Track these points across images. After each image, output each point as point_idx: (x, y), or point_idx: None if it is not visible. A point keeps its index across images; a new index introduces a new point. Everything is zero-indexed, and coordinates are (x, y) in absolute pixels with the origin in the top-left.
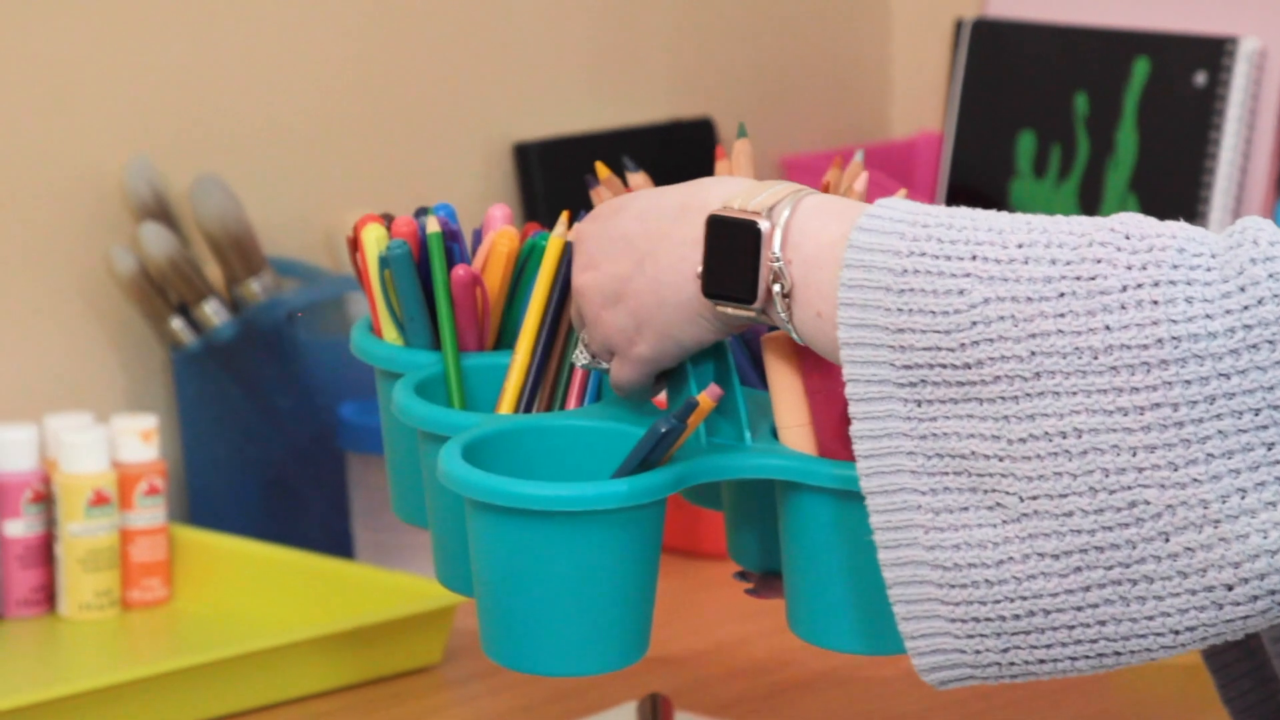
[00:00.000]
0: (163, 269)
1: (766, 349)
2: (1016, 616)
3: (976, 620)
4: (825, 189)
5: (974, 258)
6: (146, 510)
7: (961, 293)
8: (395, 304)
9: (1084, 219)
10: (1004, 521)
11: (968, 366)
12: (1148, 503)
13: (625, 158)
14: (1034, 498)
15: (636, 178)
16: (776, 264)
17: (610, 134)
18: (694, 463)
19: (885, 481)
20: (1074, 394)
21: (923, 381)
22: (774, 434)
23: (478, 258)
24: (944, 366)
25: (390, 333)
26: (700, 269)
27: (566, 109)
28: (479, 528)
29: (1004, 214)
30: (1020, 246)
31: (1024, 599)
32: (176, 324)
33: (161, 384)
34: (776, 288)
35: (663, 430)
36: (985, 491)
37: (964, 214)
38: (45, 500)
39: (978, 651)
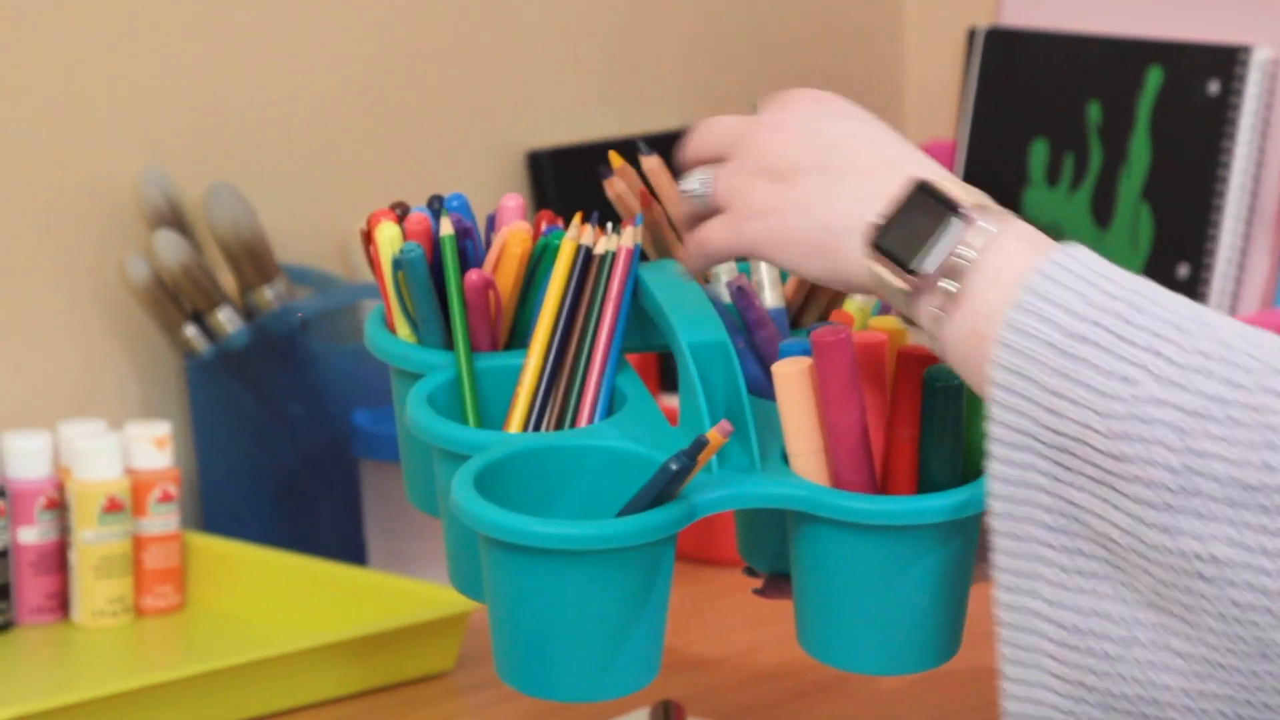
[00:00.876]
0: (176, 277)
1: (778, 380)
2: (1128, 697)
3: (1085, 687)
4: None
5: (1152, 351)
6: (160, 517)
7: (1129, 382)
8: (409, 304)
9: (1270, 337)
10: (1136, 603)
11: (1114, 457)
12: (1278, 644)
13: (640, 141)
14: (1166, 598)
15: (650, 161)
16: (962, 260)
17: (623, 142)
18: (705, 496)
19: (1017, 527)
20: (1219, 522)
21: (1067, 451)
22: (784, 457)
23: (490, 256)
24: (1090, 446)
25: (404, 328)
26: (877, 220)
27: (579, 118)
28: (491, 560)
29: (1188, 305)
30: (1202, 355)
31: (1141, 683)
32: (190, 331)
33: (175, 391)
34: (947, 282)
35: (673, 469)
36: (1118, 568)
37: (1150, 293)
38: (59, 507)
39: (1075, 715)
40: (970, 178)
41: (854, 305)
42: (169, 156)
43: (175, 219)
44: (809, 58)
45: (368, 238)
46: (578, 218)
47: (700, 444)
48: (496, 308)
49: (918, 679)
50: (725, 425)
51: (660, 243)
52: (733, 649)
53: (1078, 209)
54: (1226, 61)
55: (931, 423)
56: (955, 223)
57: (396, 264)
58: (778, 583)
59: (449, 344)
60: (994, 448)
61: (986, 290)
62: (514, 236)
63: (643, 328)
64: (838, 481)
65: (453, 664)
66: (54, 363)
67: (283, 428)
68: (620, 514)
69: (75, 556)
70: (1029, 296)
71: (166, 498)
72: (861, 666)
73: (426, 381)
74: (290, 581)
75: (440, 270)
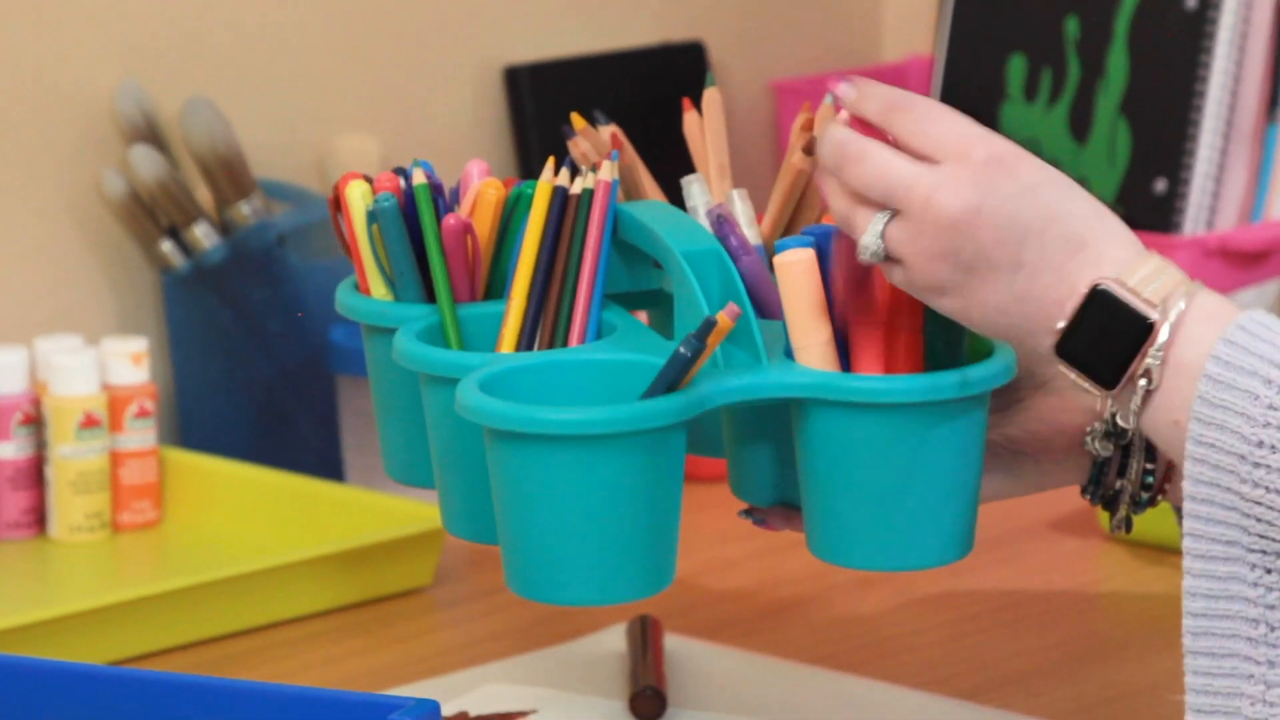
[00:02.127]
0: (153, 192)
1: (782, 270)
2: None
3: None
4: (809, 130)
5: None
6: (137, 433)
7: None
8: (384, 260)
9: None
10: None
11: None
12: None
13: (596, 111)
14: None
15: (606, 130)
16: (1153, 361)
17: (601, 57)
18: (715, 383)
19: (1216, 644)
20: None
21: (1275, 558)
22: (788, 356)
23: (463, 207)
24: None
25: (379, 290)
26: (1062, 327)
27: (557, 33)
28: (500, 458)
29: None
30: None
31: None
32: (166, 247)
33: (151, 307)
34: (1143, 382)
35: (685, 353)
36: None
37: None
38: (35, 423)
39: None
40: (948, 94)
41: None
42: (145, 71)
43: (151, 134)
44: None
45: (336, 204)
46: (550, 161)
47: (709, 324)
48: (474, 254)
49: (892, 593)
50: (733, 308)
51: (632, 187)
52: (709, 565)
53: (1055, 124)
54: None
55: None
56: (1139, 325)
57: (371, 216)
58: (783, 512)
59: (427, 298)
60: (1192, 562)
61: (1178, 379)
62: (488, 184)
63: (630, 266)
64: (853, 366)
65: (430, 579)
66: (30, 278)
67: (260, 343)
68: None
69: (52, 472)
70: (1205, 408)
71: (143, 413)
72: (881, 563)
73: (408, 328)
74: (267, 497)
75: (414, 229)
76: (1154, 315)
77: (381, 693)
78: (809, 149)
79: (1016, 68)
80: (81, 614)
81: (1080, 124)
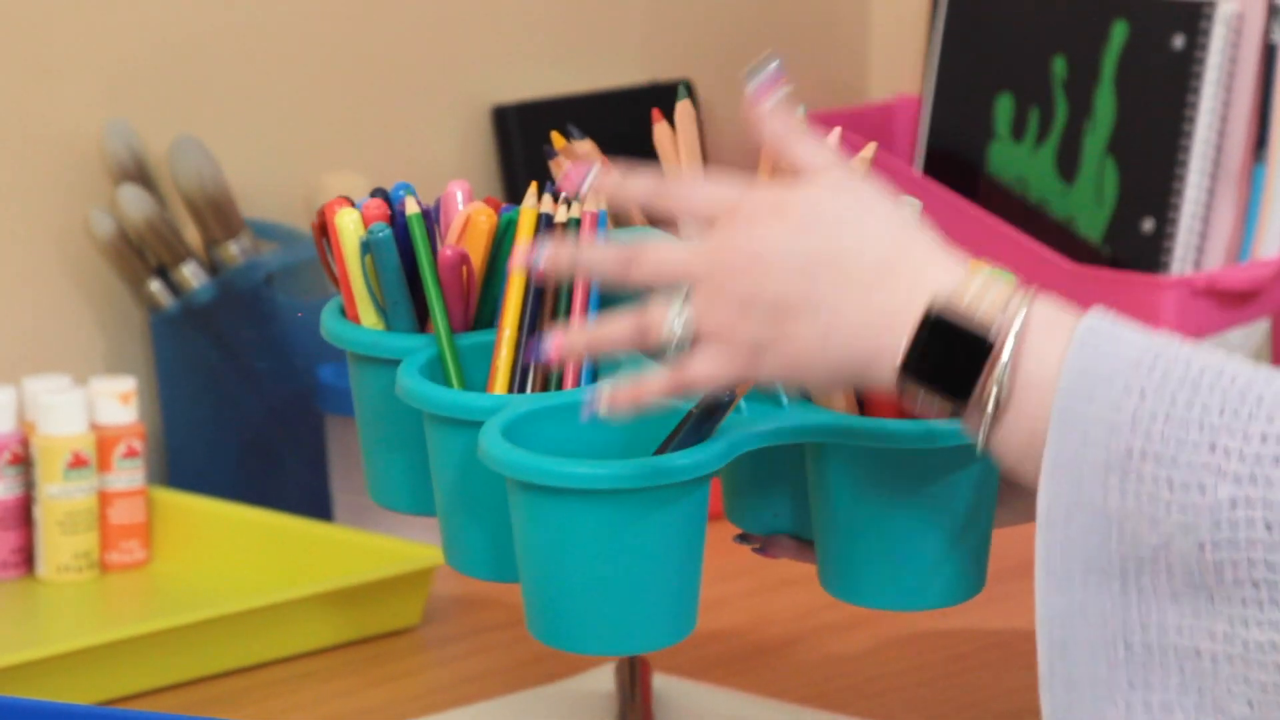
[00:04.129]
0: (141, 231)
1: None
2: None
3: None
4: None
5: (1212, 448)
6: (125, 472)
7: (1202, 490)
8: (377, 289)
9: None
10: None
11: (1204, 567)
12: None
13: (570, 125)
14: (1263, 705)
15: (582, 145)
16: (999, 382)
17: (588, 97)
18: (743, 429)
19: (1073, 671)
20: None
21: (1141, 571)
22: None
23: (450, 235)
24: (1170, 563)
25: (370, 318)
26: (901, 359)
27: (544, 72)
28: (524, 509)
29: (1225, 370)
30: (1263, 440)
31: None
32: (155, 286)
33: (140, 346)
34: (992, 396)
35: (726, 400)
36: (1201, 692)
37: (1180, 363)
38: (23, 462)
39: None
40: (936, 133)
41: None
42: (134, 110)
43: (140, 173)
44: (774, 12)
45: (321, 230)
46: (533, 187)
47: None
48: (469, 284)
49: (881, 632)
50: None
51: (619, 211)
52: (700, 603)
53: (1043, 163)
54: (1191, 16)
55: None
56: (979, 347)
57: (365, 246)
58: (779, 541)
59: (418, 328)
60: (1045, 580)
61: (1027, 394)
62: (479, 210)
63: (621, 295)
64: (869, 407)
65: (419, 619)
66: (18, 317)
67: (248, 382)
68: (656, 454)
69: (40, 512)
70: (1064, 417)
71: (131, 453)
72: (896, 604)
73: (410, 363)
74: (256, 537)
75: (405, 253)
76: (993, 334)
77: None
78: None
79: (1004, 107)
80: (69, 654)
81: (1068, 163)
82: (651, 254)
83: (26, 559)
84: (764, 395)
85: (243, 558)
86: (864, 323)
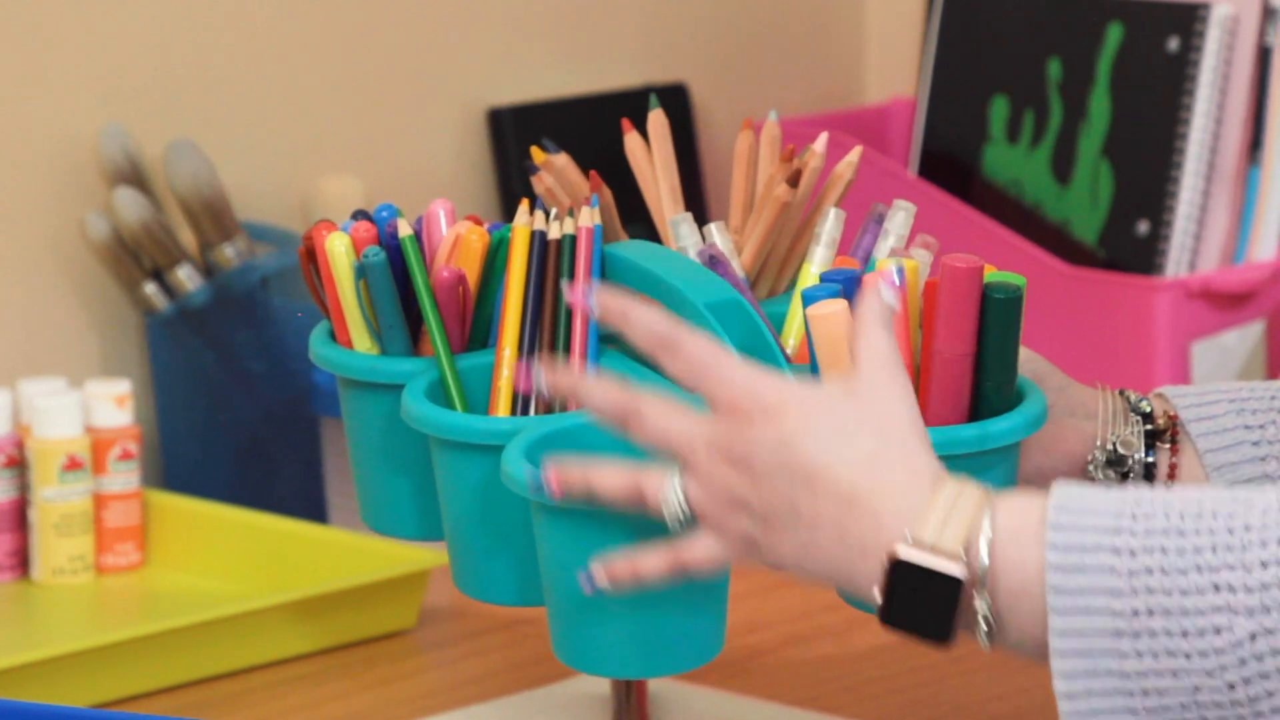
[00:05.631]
0: (136, 234)
1: (818, 323)
2: None
3: None
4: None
5: (1216, 588)
6: (120, 475)
7: (1219, 632)
8: (371, 313)
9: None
10: None
11: (1239, 704)
12: None
13: (545, 139)
14: None
15: (558, 159)
16: (983, 604)
17: (584, 99)
18: None
19: None
20: None
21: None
22: None
23: (439, 255)
24: (1207, 706)
25: (363, 342)
26: (878, 606)
27: (540, 75)
28: (553, 533)
29: (1204, 507)
30: (1264, 566)
31: None
32: (150, 289)
33: (135, 349)
34: (982, 628)
35: None
36: None
37: (1159, 513)
38: (19, 465)
39: None
40: (931, 135)
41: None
42: (129, 113)
43: (135, 176)
44: (770, 15)
45: (309, 256)
46: (524, 204)
47: None
48: (466, 304)
49: (881, 643)
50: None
51: (608, 224)
52: None
53: (1038, 166)
54: (1186, 18)
55: (989, 337)
56: (951, 585)
57: (360, 270)
58: None
59: (412, 351)
60: None
61: (1015, 606)
62: (471, 230)
63: None
64: (930, 413)
65: (414, 622)
66: (13, 320)
67: (243, 385)
68: None
69: (35, 514)
70: (1060, 599)
71: (126, 456)
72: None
73: (414, 387)
74: (251, 539)
75: (399, 276)
76: (959, 571)
77: None
78: (793, 180)
79: (999, 109)
80: (64, 657)
81: (1063, 166)
82: (652, 420)
83: (21, 562)
84: None
85: (238, 560)
86: (838, 550)
